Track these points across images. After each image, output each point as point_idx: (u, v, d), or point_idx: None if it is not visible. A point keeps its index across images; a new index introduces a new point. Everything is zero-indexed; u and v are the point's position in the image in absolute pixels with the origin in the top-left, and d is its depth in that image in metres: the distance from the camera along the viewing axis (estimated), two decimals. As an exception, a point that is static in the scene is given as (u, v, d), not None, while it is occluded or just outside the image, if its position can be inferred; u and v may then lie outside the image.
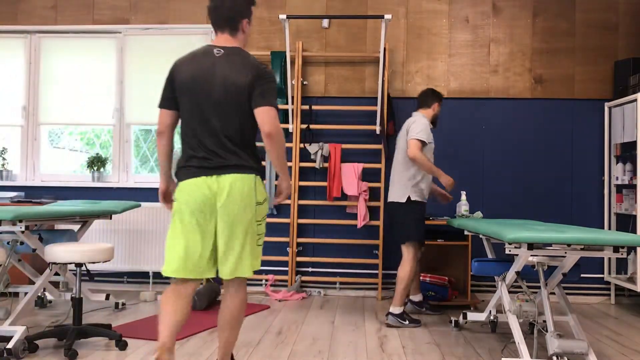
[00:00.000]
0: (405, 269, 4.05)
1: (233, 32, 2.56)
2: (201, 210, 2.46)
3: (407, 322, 4.03)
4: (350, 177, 5.08)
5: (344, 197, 5.21)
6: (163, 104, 2.62)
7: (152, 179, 5.41)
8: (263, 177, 2.62)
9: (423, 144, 4.02)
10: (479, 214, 4.79)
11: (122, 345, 3.29)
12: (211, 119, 2.49)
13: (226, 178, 2.46)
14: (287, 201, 5.19)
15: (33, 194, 5.40)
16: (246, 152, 2.51)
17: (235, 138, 2.49)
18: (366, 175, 5.26)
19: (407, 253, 4.08)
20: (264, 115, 2.46)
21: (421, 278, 4.71)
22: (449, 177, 4.08)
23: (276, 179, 5.04)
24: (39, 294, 4.44)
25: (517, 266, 3.21)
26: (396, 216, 4.16)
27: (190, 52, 2.58)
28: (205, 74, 2.49)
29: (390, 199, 4.18)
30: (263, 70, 2.50)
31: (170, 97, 2.58)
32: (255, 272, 5.24)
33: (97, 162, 5.37)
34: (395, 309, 4.04)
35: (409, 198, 4.08)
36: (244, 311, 2.64)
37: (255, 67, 2.49)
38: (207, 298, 4.41)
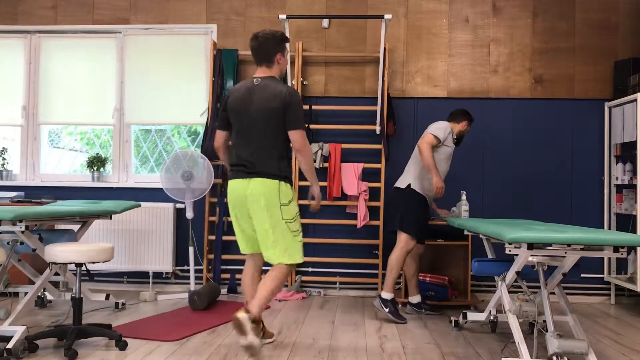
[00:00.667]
0: (393, 254, 4.20)
1: (269, 65, 3.23)
2: (240, 205, 3.19)
3: (387, 309, 4.10)
4: (350, 177, 5.09)
5: (344, 197, 5.21)
6: (219, 126, 3.35)
7: (152, 179, 5.41)
8: (290, 184, 3.20)
9: (437, 140, 4.19)
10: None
11: (122, 345, 3.29)
12: (250, 135, 3.16)
13: (252, 181, 3.13)
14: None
15: (33, 194, 5.40)
16: (275, 162, 3.14)
17: (268, 151, 3.14)
18: (366, 175, 5.26)
19: (399, 240, 4.23)
20: (295, 137, 3.15)
21: (421, 278, 4.71)
22: (439, 181, 4.15)
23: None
24: (39, 294, 4.45)
25: (517, 266, 3.21)
26: (394, 202, 4.36)
27: (241, 82, 3.34)
28: (246, 99, 3.18)
29: (394, 186, 4.42)
30: (291, 97, 3.13)
31: (224, 120, 3.30)
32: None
33: (97, 162, 5.37)
34: (384, 294, 4.15)
35: (409, 185, 4.27)
36: (276, 285, 3.10)
37: (285, 95, 3.12)
38: (207, 298, 4.41)
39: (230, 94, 3.26)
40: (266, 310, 4.48)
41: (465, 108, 5.19)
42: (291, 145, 3.19)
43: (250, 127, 3.15)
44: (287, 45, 3.26)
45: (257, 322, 2.97)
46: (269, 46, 3.18)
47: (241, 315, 2.88)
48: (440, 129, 4.23)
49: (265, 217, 3.10)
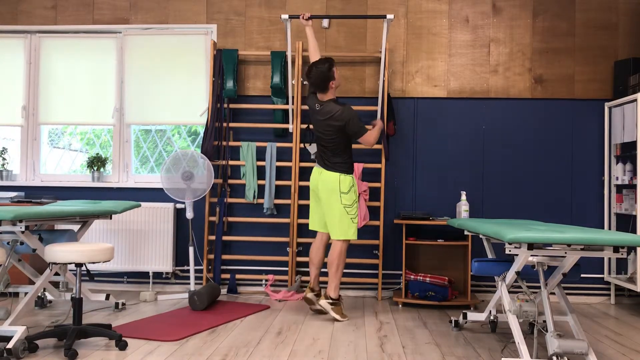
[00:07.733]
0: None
1: (325, 91, 4.20)
2: (313, 189, 4.35)
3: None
4: (350, 177, 5.08)
5: (344, 197, 5.20)
6: None
7: (152, 179, 5.41)
8: (348, 172, 4.21)
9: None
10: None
11: (122, 345, 3.29)
12: (321, 142, 4.25)
13: (318, 170, 4.28)
14: (288, 200, 5.19)
15: (33, 194, 5.40)
16: (335, 159, 4.19)
17: (330, 151, 4.21)
18: (366, 175, 5.26)
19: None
20: (363, 140, 4.21)
21: (421, 278, 4.71)
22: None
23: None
24: (39, 294, 4.45)
25: (517, 266, 3.21)
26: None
27: (310, 99, 4.31)
28: (315, 119, 4.25)
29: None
30: (345, 117, 4.11)
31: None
32: (255, 272, 5.26)
33: (97, 162, 5.37)
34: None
35: None
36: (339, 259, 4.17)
37: (339, 117, 4.11)
38: (207, 298, 4.41)
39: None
40: (266, 310, 4.49)
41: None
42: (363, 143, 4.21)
43: (321, 137, 4.22)
44: (334, 67, 4.17)
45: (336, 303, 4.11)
46: (322, 79, 4.12)
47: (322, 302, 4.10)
48: None
49: (329, 201, 4.16)
